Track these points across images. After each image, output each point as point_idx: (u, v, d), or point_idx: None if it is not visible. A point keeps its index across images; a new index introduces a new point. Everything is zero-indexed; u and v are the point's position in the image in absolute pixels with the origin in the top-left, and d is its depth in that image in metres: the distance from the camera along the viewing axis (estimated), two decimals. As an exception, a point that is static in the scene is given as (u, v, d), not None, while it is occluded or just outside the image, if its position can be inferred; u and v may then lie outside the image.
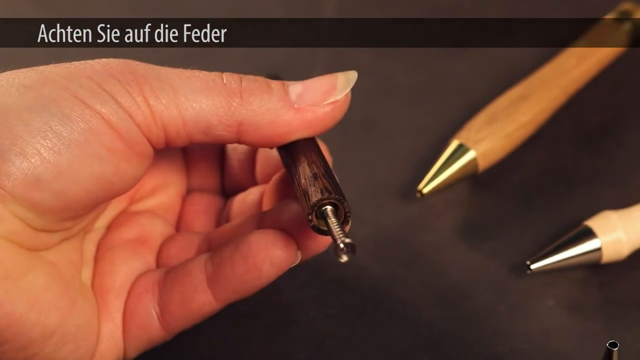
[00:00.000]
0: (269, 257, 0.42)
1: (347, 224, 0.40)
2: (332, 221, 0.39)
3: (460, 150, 0.55)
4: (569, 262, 0.51)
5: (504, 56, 0.68)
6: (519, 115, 0.58)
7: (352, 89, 0.64)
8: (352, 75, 0.44)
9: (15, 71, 0.40)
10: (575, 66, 0.61)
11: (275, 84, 0.43)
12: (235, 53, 0.68)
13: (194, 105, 0.41)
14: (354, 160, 0.58)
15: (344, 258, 0.38)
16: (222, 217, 0.49)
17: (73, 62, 0.41)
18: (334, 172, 0.42)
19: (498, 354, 0.49)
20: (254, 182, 0.49)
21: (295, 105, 0.42)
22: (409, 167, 0.60)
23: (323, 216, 0.39)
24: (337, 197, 0.39)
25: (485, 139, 0.56)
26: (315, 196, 0.39)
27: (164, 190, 0.49)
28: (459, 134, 0.57)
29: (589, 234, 0.51)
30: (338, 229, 0.38)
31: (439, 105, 0.64)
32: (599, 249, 0.51)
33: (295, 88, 0.43)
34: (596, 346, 0.48)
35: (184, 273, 0.44)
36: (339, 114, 0.43)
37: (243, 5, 0.73)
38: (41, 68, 0.40)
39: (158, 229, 0.48)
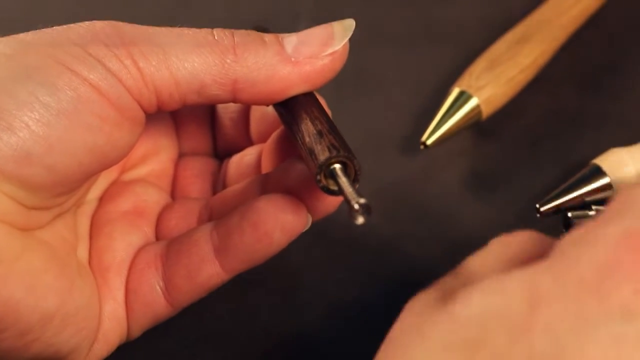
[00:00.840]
0: (279, 223, 0.40)
1: (357, 183, 0.38)
2: (343, 181, 0.37)
3: (463, 97, 0.53)
4: (580, 202, 0.49)
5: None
6: (520, 58, 0.56)
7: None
8: (349, 24, 0.42)
9: None
10: (574, 4, 0.59)
11: (269, 37, 0.41)
12: (217, 5, 0.67)
13: (185, 65, 0.39)
14: (350, 113, 0.56)
15: (360, 220, 0.36)
16: (218, 180, 0.48)
17: (55, 27, 0.38)
18: (337, 128, 0.40)
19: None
20: (248, 142, 0.48)
21: (292, 59, 0.40)
22: (408, 118, 0.58)
23: (332, 176, 0.37)
24: (346, 154, 0.37)
25: (487, 85, 0.54)
26: (322, 155, 0.37)
27: (155, 156, 0.47)
28: (460, 81, 0.54)
29: (598, 173, 0.50)
30: (350, 189, 0.36)
31: (433, 52, 0.62)
32: (610, 188, 0.49)
33: (291, 40, 0.41)
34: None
35: (189, 244, 0.42)
36: (338, 65, 0.41)
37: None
38: (21, 36, 0.38)
39: (154, 198, 0.46)
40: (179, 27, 0.40)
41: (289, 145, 0.44)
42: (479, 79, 0.54)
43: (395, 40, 0.63)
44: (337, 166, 0.37)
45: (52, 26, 0.39)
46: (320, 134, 0.39)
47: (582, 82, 0.59)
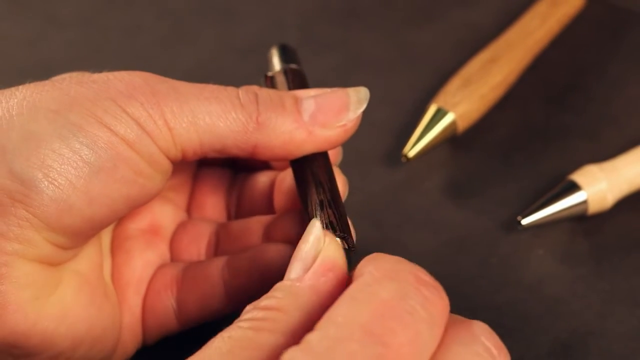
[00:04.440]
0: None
1: (352, 253, 0.40)
2: None
3: (440, 113, 0.58)
4: (557, 215, 0.54)
5: (466, 21, 0.70)
6: (490, 77, 0.60)
7: (326, 65, 0.67)
8: (364, 94, 0.44)
9: (39, 89, 0.40)
10: (539, 27, 0.64)
11: (289, 101, 0.43)
12: (208, 35, 0.70)
13: (212, 129, 0.41)
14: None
15: None
16: (231, 195, 0.50)
17: (95, 79, 0.41)
18: (340, 195, 0.43)
19: (497, 303, 0.51)
20: (264, 161, 0.50)
21: (309, 128, 0.43)
22: (388, 135, 0.62)
23: None
24: (341, 234, 0.40)
25: (461, 102, 0.58)
26: None
27: (176, 171, 0.49)
28: (437, 99, 0.59)
29: (574, 188, 0.54)
30: None
31: (409, 74, 0.66)
32: (585, 202, 0.53)
33: (309, 106, 0.43)
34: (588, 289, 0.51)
35: (202, 277, 0.45)
36: (350, 133, 0.44)
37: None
38: (65, 86, 0.40)
39: (169, 216, 0.49)
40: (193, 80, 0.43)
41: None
42: (454, 96, 0.58)
43: (374, 65, 0.67)
44: None
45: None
46: (321, 205, 0.41)
47: (548, 99, 0.64)
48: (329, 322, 0.32)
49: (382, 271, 0.34)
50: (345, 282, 0.36)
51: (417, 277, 0.34)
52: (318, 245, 0.37)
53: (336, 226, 0.40)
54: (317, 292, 0.35)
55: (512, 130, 0.61)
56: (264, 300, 0.35)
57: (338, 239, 0.39)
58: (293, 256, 0.37)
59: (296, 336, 0.33)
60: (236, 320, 0.35)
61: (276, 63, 0.49)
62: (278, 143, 0.42)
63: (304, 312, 0.35)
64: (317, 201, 0.41)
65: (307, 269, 0.36)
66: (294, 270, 0.36)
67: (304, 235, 0.38)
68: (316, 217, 0.40)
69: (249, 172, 0.50)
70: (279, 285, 0.36)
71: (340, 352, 0.31)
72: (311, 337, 0.32)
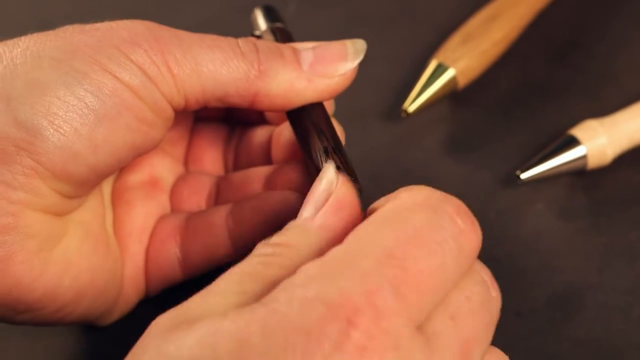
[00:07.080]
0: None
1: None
2: None
3: (440, 69, 0.58)
4: (557, 170, 0.53)
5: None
6: (492, 33, 0.60)
7: (327, 22, 0.66)
8: (361, 45, 0.45)
9: (42, 39, 0.40)
10: (541, -17, 0.64)
11: (287, 51, 0.43)
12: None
13: (215, 76, 0.41)
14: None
15: None
16: (228, 149, 0.51)
17: (98, 27, 0.41)
18: (341, 142, 0.43)
19: (495, 257, 0.51)
20: (260, 115, 0.50)
21: (308, 76, 0.43)
22: (389, 90, 0.62)
23: None
24: (349, 177, 0.39)
25: (462, 58, 0.58)
26: None
27: (173, 125, 0.49)
28: (437, 54, 0.59)
29: (574, 142, 0.53)
30: None
31: (410, 30, 0.66)
32: (584, 156, 0.53)
33: (307, 56, 0.43)
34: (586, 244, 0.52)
35: (206, 225, 0.46)
36: (348, 82, 0.44)
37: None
38: (68, 35, 0.40)
39: (168, 169, 0.49)
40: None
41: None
42: (455, 51, 0.58)
43: (375, 20, 0.67)
44: None
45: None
46: (326, 151, 0.41)
47: (549, 56, 0.63)
48: (354, 238, 0.33)
49: (421, 199, 0.35)
50: (359, 221, 0.36)
51: (456, 207, 0.35)
52: (330, 187, 0.37)
53: (343, 170, 0.40)
54: (328, 230, 0.36)
55: (512, 86, 0.61)
56: (275, 237, 0.36)
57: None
58: (306, 198, 0.37)
59: None
60: (247, 257, 0.35)
61: (262, 23, 0.49)
62: (279, 91, 0.43)
63: (314, 249, 0.35)
64: (322, 148, 0.42)
65: (319, 209, 0.37)
66: (307, 210, 0.37)
67: (317, 178, 0.38)
68: (322, 162, 0.41)
69: (245, 126, 0.50)
70: (290, 224, 0.36)
71: (354, 268, 0.31)
72: (333, 251, 0.33)
